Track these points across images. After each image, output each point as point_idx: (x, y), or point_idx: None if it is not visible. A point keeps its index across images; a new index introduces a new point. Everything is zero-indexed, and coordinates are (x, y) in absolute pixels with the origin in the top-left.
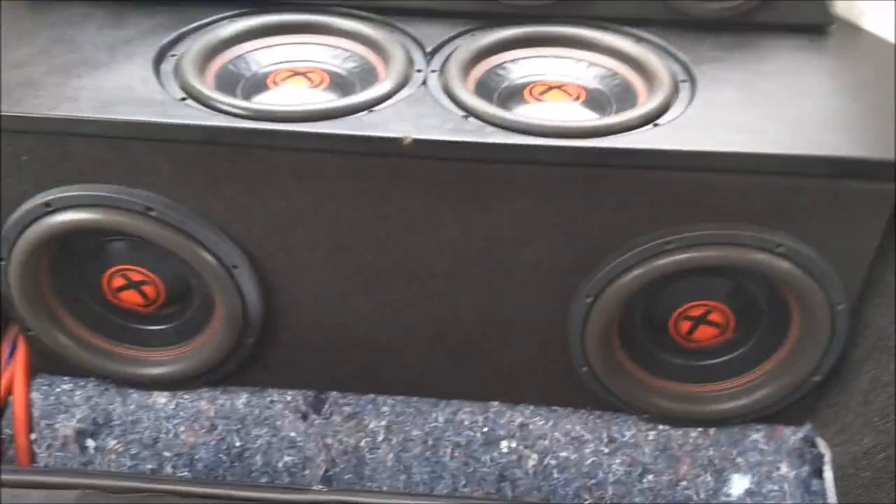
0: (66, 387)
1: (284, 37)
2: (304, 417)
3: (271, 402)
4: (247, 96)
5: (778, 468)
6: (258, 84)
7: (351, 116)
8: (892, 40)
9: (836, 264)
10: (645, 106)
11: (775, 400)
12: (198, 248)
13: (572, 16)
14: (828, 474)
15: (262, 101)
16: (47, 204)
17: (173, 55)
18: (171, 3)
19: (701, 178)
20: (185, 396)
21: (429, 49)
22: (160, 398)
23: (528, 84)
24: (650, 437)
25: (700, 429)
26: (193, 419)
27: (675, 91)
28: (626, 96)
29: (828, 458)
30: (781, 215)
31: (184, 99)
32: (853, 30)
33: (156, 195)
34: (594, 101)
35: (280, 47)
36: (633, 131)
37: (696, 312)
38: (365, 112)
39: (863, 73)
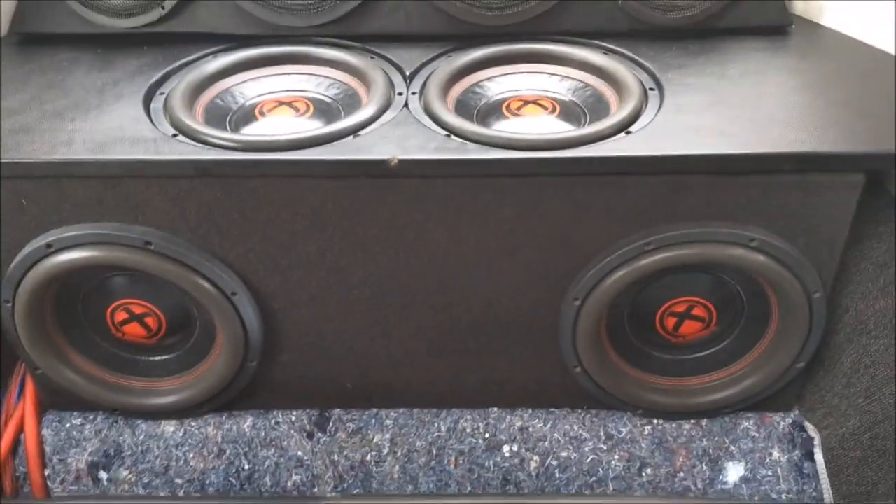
0: (75, 421)
1: (268, 69)
2: (310, 436)
3: (276, 423)
4: (236, 128)
5: (770, 454)
6: (246, 115)
7: (337, 142)
8: (852, 35)
9: (809, 254)
10: (617, 115)
11: (762, 388)
12: (196, 277)
13: (542, 32)
14: (818, 456)
15: (250, 133)
16: (48, 245)
17: (162, 93)
18: (155, 43)
19: (674, 181)
20: (193, 423)
21: (408, 72)
22: (168, 427)
23: (505, 100)
24: (646, 432)
25: (693, 420)
26: (202, 445)
27: (644, 99)
28: (598, 106)
29: (817, 441)
30: (753, 211)
31: (175, 135)
32: (813, 28)
33: (153, 229)
34: (569, 112)
35: (265, 79)
36: (607, 140)
37: (681, 308)
38: (350, 137)
39: (824, 69)
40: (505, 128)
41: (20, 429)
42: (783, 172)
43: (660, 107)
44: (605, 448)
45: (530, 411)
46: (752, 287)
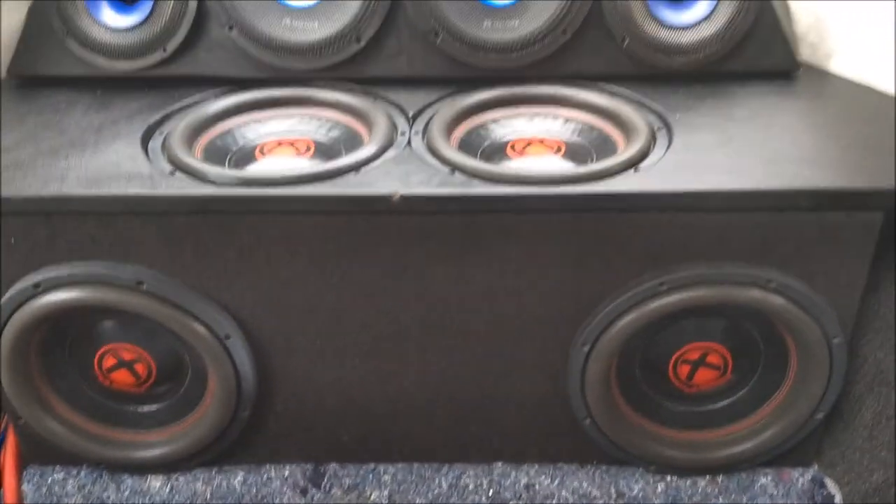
0: (58, 476)
1: (270, 111)
2: (304, 492)
3: (268, 478)
4: (235, 167)
5: None
6: (246, 156)
7: (338, 178)
8: (859, 81)
9: (828, 297)
10: (625, 153)
11: (781, 440)
12: (189, 319)
13: (546, 76)
14: None
15: (250, 170)
16: (36, 285)
17: (161, 133)
18: (156, 86)
19: (686, 219)
20: (180, 479)
21: (411, 113)
22: (155, 482)
23: (509, 141)
24: (659, 490)
25: (708, 477)
26: (190, 503)
27: (652, 138)
28: (605, 147)
29: (838, 498)
30: (769, 251)
31: (172, 172)
32: (820, 74)
33: (146, 269)
34: (575, 152)
35: (266, 121)
36: (616, 176)
37: (695, 355)
38: (352, 173)
39: (833, 112)
40: (510, 167)
41: None
42: (799, 210)
43: (668, 145)
44: None
45: (537, 466)
46: (769, 332)
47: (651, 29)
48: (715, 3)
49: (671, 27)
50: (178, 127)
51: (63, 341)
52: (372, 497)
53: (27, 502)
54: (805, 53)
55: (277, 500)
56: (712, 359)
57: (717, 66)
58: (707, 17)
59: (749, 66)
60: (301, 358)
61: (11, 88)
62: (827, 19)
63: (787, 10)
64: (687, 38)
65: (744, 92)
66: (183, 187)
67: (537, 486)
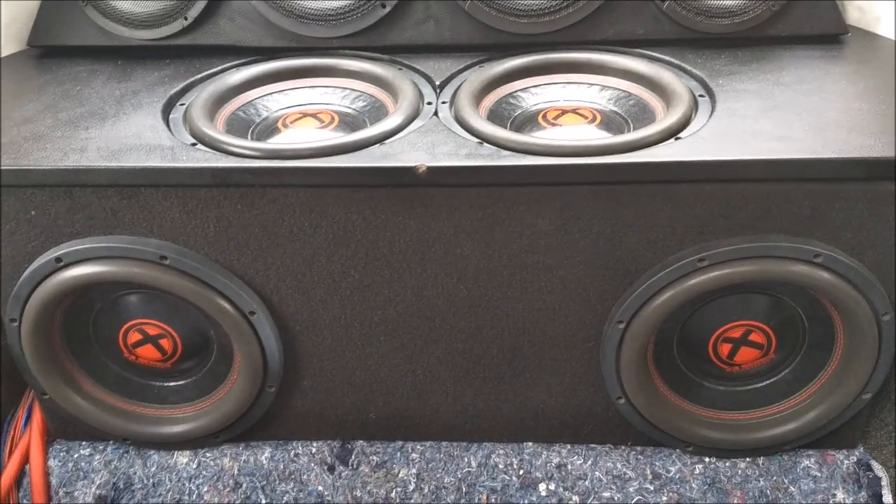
0: (84, 452)
1: (293, 81)
2: (331, 469)
3: (296, 455)
4: (258, 140)
5: (834, 495)
6: (269, 128)
7: (363, 150)
8: None
9: (877, 272)
10: (665, 121)
11: (825, 422)
12: (214, 295)
13: (580, 41)
14: (887, 498)
15: (273, 142)
16: (58, 259)
17: (182, 104)
18: (177, 56)
19: (729, 189)
20: (207, 454)
21: (438, 82)
22: (181, 458)
23: (541, 110)
24: (697, 471)
25: (748, 459)
26: (216, 478)
27: (694, 105)
28: (643, 116)
29: (885, 481)
30: (816, 223)
31: (194, 144)
32: (869, 37)
33: (169, 243)
34: (610, 122)
35: (289, 91)
36: (655, 146)
37: (736, 334)
38: (377, 145)
39: (883, 77)
40: (542, 136)
41: (25, 459)
42: (850, 181)
43: (711, 113)
44: (651, 489)
45: (569, 447)
46: (815, 309)
47: None
48: None
49: None
50: (200, 98)
51: (87, 317)
52: (400, 474)
53: (54, 477)
54: (853, 17)
55: (305, 477)
56: (755, 337)
57: (763, 30)
58: None
59: (795, 29)
60: (327, 334)
61: (31, 58)
62: None
63: None
64: None
65: (790, 56)
66: (205, 159)
67: (569, 466)
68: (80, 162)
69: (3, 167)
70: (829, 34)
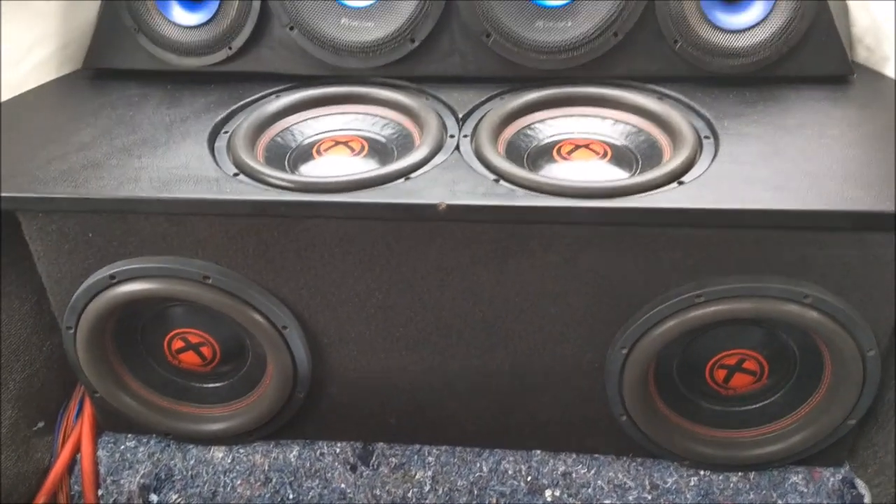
0: (130, 444)
1: (327, 108)
2: (353, 469)
3: (321, 454)
4: (294, 167)
5: None
6: (304, 154)
7: (389, 184)
8: None
9: (864, 312)
10: (669, 164)
11: (812, 443)
12: (250, 311)
13: (596, 77)
14: None
15: (307, 172)
16: (112, 276)
17: (226, 132)
18: (221, 82)
19: (726, 234)
20: (241, 450)
21: (461, 114)
22: (218, 453)
23: (556, 143)
24: (692, 483)
25: (740, 473)
26: (249, 472)
27: (698, 148)
28: (651, 152)
29: (867, 499)
30: (808, 267)
31: (236, 174)
32: (875, 78)
33: (212, 264)
34: (621, 158)
35: (323, 118)
36: (659, 189)
37: (731, 361)
38: (402, 179)
39: (885, 121)
40: (555, 172)
41: (77, 448)
42: (838, 230)
43: (714, 156)
44: (649, 498)
45: (574, 456)
46: (805, 342)
47: (704, 31)
48: (771, 4)
49: (725, 30)
50: (242, 127)
51: (136, 326)
52: (417, 476)
53: (102, 466)
54: (861, 56)
55: (329, 475)
56: (749, 365)
57: (771, 70)
58: (762, 21)
59: (803, 70)
60: (352, 348)
61: (86, 80)
62: (885, 22)
63: (845, 10)
64: (741, 41)
65: (796, 97)
66: (245, 192)
67: (574, 475)
68: (133, 192)
69: (64, 195)
70: (836, 75)
